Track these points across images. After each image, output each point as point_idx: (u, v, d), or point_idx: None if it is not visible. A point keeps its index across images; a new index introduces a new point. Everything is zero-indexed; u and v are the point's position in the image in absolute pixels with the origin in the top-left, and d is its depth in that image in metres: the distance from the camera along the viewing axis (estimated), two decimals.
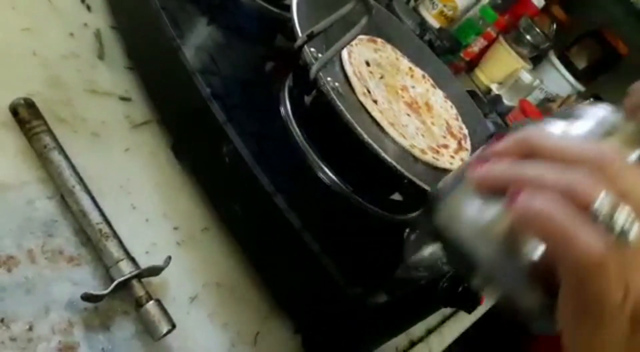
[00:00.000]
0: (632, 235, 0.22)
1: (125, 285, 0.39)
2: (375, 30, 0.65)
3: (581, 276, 0.23)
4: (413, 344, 0.65)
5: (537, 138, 0.25)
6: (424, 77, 0.66)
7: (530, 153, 0.25)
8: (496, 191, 0.25)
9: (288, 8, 0.49)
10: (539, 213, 0.23)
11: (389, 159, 0.42)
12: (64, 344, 0.36)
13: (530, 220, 0.23)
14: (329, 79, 0.47)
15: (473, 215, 0.26)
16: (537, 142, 0.25)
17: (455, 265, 0.33)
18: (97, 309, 0.39)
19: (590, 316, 0.24)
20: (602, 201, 0.23)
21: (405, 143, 0.51)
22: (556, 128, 0.27)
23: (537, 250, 0.25)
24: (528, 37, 1.26)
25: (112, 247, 0.40)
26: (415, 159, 0.52)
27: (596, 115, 0.27)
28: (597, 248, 0.22)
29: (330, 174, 0.50)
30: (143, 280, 0.41)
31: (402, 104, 0.58)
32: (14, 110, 0.42)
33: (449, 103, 0.66)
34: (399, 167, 0.43)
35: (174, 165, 0.52)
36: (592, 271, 0.22)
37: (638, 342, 0.23)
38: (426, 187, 0.44)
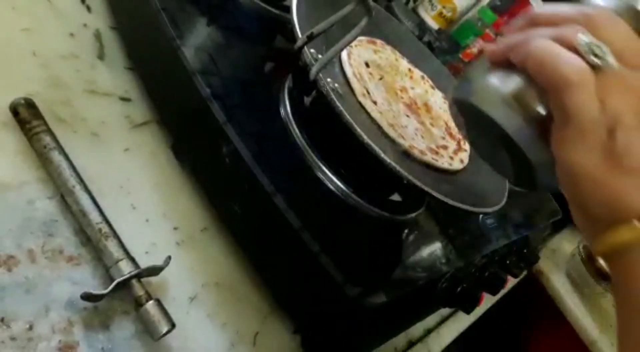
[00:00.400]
0: (607, 61, 0.28)
1: (125, 285, 0.39)
2: (374, 32, 0.65)
3: (564, 90, 0.28)
4: (412, 344, 0.65)
5: (537, 12, 0.32)
6: (423, 78, 0.66)
7: (532, 25, 0.32)
8: (507, 62, 0.32)
9: (287, 9, 0.50)
10: (532, 48, 0.30)
11: (389, 160, 0.43)
12: (64, 343, 0.36)
13: (525, 55, 0.30)
14: (328, 80, 0.47)
15: (491, 85, 0.32)
16: (537, 15, 0.32)
17: (478, 142, 0.39)
18: (97, 309, 0.39)
19: (573, 127, 0.29)
20: (581, 37, 0.29)
21: (404, 144, 0.52)
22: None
23: (543, 105, 0.31)
24: None
25: (112, 247, 0.40)
26: (415, 159, 0.52)
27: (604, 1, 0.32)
28: (577, 66, 0.28)
29: (329, 174, 0.50)
30: (143, 280, 0.41)
31: (401, 105, 0.58)
32: (15, 110, 0.42)
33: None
34: (398, 167, 0.43)
35: (174, 165, 0.52)
36: (573, 84, 0.28)
37: (612, 148, 0.29)
38: (425, 188, 0.44)
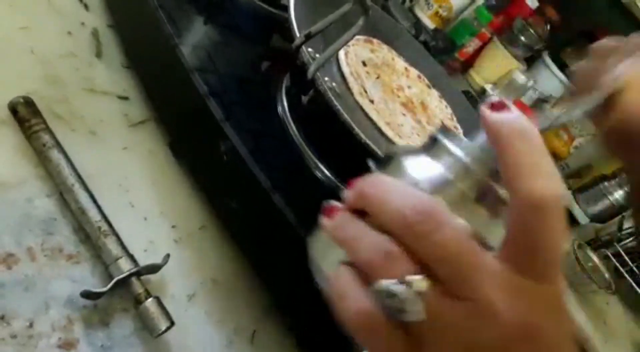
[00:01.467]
0: (414, 312, 0.21)
1: (124, 282, 0.39)
2: (371, 31, 0.65)
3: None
4: None
5: (369, 195, 0.25)
6: (419, 77, 0.67)
7: (363, 208, 0.25)
8: None
9: (285, 8, 0.50)
10: (345, 317, 0.24)
11: None
12: (64, 340, 0.36)
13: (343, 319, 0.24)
14: (326, 78, 0.47)
15: (325, 264, 0.27)
16: (368, 199, 0.25)
17: None
18: (97, 306, 0.39)
19: None
20: (383, 283, 0.22)
21: (400, 142, 0.52)
22: (409, 166, 0.27)
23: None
24: (522, 37, 1.26)
25: (111, 244, 0.40)
26: None
27: (447, 159, 0.25)
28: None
29: (326, 172, 0.50)
30: (142, 277, 0.41)
31: (397, 104, 0.59)
32: (13, 108, 0.42)
33: (444, 103, 0.67)
34: None
35: (172, 163, 0.52)
36: None
37: None
38: None
